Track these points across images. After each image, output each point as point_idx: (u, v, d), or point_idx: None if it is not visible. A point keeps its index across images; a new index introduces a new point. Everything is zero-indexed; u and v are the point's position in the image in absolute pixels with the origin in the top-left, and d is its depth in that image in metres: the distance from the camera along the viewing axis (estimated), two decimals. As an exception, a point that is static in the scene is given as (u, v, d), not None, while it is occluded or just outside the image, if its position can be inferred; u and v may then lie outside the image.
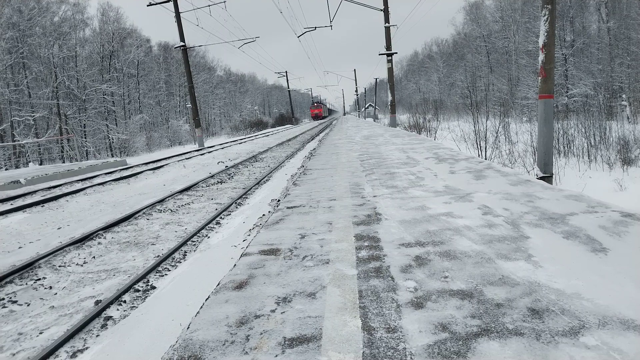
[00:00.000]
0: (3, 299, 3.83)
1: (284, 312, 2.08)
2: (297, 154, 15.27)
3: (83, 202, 8.36)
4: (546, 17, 6.75)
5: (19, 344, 3.11)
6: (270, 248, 3.09)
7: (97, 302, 3.65)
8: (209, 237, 5.40)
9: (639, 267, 2.29)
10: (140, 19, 79.78)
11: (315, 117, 79.19)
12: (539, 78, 6.96)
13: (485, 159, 14.16)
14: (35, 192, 9.71)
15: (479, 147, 15.59)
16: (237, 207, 6.99)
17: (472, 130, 16.54)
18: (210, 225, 5.92)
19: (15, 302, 3.78)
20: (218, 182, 9.78)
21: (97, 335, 3.15)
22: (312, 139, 22.70)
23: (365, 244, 2.97)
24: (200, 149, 21.16)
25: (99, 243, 5.39)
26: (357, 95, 70.73)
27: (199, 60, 58.71)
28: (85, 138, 34.34)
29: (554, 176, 8.12)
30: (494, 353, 1.62)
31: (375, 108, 52.78)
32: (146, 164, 15.27)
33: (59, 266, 4.60)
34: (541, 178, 6.70)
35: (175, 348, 1.86)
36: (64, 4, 35.10)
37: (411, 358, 1.63)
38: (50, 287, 4.06)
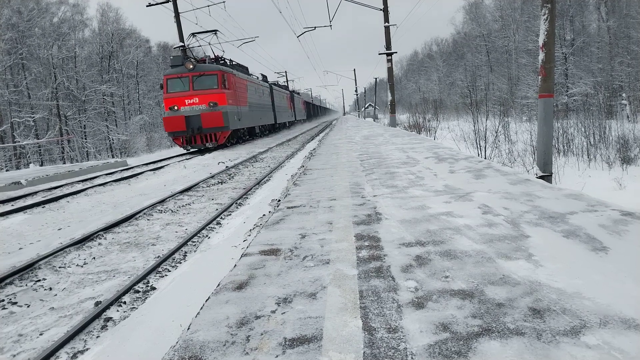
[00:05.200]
0: (3, 300, 3.83)
1: (284, 313, 2.08)
2: (297, 154, 15.26)
3: (84, 203, 8.35)
4: (546, 16, 6.75)
5: (19, 345, 3.11)
6: (270, 248, 3.08)
7: (97, 303, 3.65)
8: (209, 238, 5.40)
9: (640, 266, 2.29)
10: (139, 19, 79.92)
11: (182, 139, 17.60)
12: (539, 77, 6.96)
13: (485, 158, 14.16)
14: (36, 193, 9.71)
15: (478, 146, 15.60)
16: (237, 207, 6.99)
17: (472, 129, 16.56)
18: (211, 225, 5.91)
19: (15, 303, 3.78)
20: (218, 182, 9.77)
21: (98, 337, 3.14)
22: (312, 139, 22.67)
23: (366, 243, 2.97)
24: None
25: (100, 244, 5.39)
26: (356, 95, 70.63)
27: (199, 60, 58.62)
28: (86, 139, 34.36)
29: (553, 175, 8.12)
30: (495, 353, 1.61)
31: (375, 108, 52.79)
32: (147, 164, 15.27)
33: (59, 267, 4.59)
34: (541, 177, 6.69)
35: (175, 349, 1.86)
36: (64, 4, 35.17)
37: (412, 358, 1.63)
38: (50, 288, 4.06)
